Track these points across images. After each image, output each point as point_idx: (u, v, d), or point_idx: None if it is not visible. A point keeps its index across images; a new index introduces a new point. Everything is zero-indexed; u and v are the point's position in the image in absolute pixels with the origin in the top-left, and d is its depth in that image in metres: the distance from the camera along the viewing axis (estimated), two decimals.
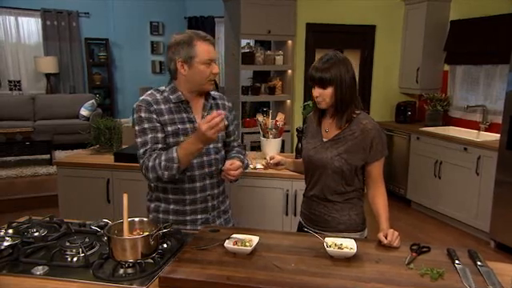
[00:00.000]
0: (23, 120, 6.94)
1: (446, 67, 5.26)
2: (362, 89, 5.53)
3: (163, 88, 1.94)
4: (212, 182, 1.97)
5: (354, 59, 5.44)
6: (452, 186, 4.52)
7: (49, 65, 7.53)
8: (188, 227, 1.95)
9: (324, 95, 1.83)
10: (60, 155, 6.03)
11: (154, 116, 1.85)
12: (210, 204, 1.99)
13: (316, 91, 1.84)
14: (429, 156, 4.79)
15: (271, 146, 3.34)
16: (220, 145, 2.01)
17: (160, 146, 1.84)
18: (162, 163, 1.77)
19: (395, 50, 5.49)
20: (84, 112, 7.21)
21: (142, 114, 1.85)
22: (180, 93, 1.90)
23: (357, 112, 1.89)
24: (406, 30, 5.37)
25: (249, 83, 5.19)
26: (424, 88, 5.24)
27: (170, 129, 1.87)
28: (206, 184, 1.96)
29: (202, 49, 1.82)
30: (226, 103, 2.08)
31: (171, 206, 1.96)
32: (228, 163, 1.86)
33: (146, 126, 1.84)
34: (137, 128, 1.86)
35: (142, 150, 1.84)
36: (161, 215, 1.99)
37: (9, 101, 7.17)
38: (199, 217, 1.98)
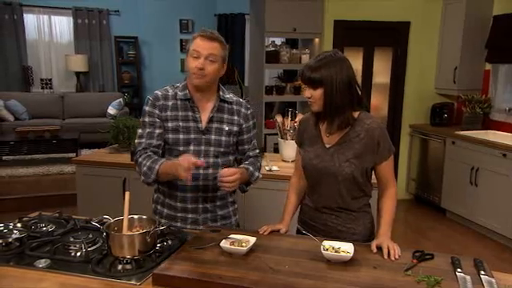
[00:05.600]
0: (52, 118, 7.05)
1: (488, 66, 4.89)
2: (395, 89, 5.27)
3: (178, 84, 1.98)
4: (206, 184, 1.94)
5: (385, 58, 5.19)
6: (489, 195, 4.22)
7: (79, 63, 7.62)
8: (178, 224, 1.97)
9: (315, 97, 1.72)
10: (86, 154, 6.06)
11: (157, 111, 1.92)
12: (200, 206, 1.98)
13: (307, 92, 1.74)
14: (464, 162, 4.48)
15: (288, 148, 3.24)
16: (223, 149, 1.96)
17: (154, 142, 1.91)
18: (144, 168, 1.86)
19: (431, 47, 5.15)
20: (111, 111, 7.24)
21: (147, 108, 1.94)
22: (187, 91, 1.93)
23: (356, 113, 1.77)
24: (444, 26, 5.02)
25: (273, 83, 5.01)
26: (462, 89, 4.89)
27: (170, 125, 1.91)
28: (198, 185, 1.95)
29: (195, 42, 1.85)
30: (243, 110, 2.02)
31: (166, 200, 2.02)
32: (223, 170, 1.82)
33: (147, 119, 1.93)
34: (141, 120, 1.97)
35: (137, 141, 1.96)
36: (159, 207, 2.05)
37: (40, 99, 7.31)
38: (189, 216, 1.99)
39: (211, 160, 1.94)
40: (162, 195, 2.03)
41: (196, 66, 1.83)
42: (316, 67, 1.69)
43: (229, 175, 1.78)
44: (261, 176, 2.10)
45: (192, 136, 1.91)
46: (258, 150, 2.13)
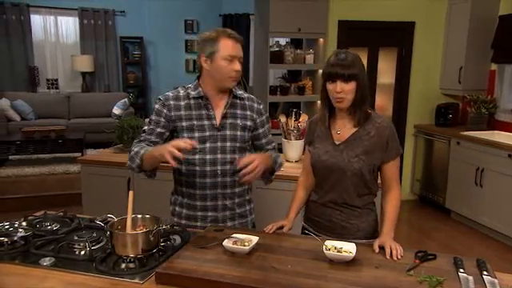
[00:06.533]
0: (58, 118, 7.08)
1: (493, 66, 4.87)
2: (399, 89, 5.26)
3: (189, 85, 2.00)
4: (224, 181, 1.95)
5: (390, 58, 5.18)
6: (495, 196, 4.20)
7: (85, 63, 7.66)
8: (198, 223, 1.98)
9: (346, 91, 1.74)
10: (91, 153, 6.09)
11: (165, 111, 1.94)
12: (220, 203, 1.99)
13: (338, 87, 1.74)
14: (469, 162, 4.47)
15: (292, 148, 3.23)
16: (238, 144, 1.96)
17: (152, 138, 1.94)
18: (131, 153, 1.90)
19: (436, 48, 5.14)
20: (116, 111, 7.26)
21: (156, 106, 1.98)
22: (201, 89, 1.94)
23: (369, 111, 1.84)
24: (449, 26, 5.02)
25: (278, 83, 5.01)
26: (467, 89, 4.88)
27: (184, 124, 1.93)
28: (217, 181, 1.95)
29: (225, 44, 1.86)
30: (255, 105, 2.05)
31: (184, 200, 2.01)
32: (240, 159, 1.80)
33: (153, 117, 1.97)
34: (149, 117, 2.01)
35: (137, 137, 2.00)
36: (177, 208, 2.05)
37: (46, 99, 7.33)
38: (209, 214, 1.99)
39: (228, 156, 1.95)
40: (181, 196, 2.04)
41: (237, 70, 1.88)
42: (349, 64, 1.73)
43: (248, 162, 1.74)
44: (284, 162, 2.09)
45: (207, 133, 1.93)
46: (274, 144, 2.14)
